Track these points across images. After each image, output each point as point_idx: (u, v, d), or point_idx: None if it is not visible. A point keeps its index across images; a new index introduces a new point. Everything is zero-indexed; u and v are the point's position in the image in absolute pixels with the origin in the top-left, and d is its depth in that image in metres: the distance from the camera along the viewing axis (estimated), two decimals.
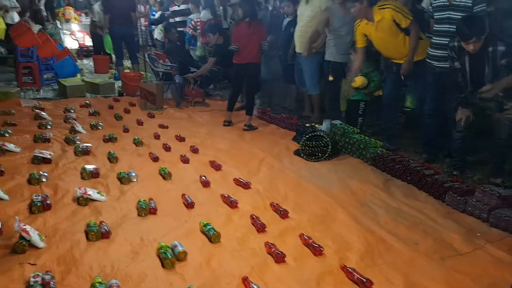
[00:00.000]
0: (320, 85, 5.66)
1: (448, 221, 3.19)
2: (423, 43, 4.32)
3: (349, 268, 2.48)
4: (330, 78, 5.19)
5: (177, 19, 8.49)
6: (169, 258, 2.47)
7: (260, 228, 2.94)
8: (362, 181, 3.91)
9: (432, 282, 2.42)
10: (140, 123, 5.57)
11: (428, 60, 4.20)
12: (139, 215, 3.07)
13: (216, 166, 4.13)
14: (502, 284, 2.40)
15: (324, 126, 4.85)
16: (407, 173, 3.90)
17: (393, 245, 2.83)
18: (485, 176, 3.98)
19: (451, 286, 2.39)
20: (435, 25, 4.11)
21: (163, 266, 2.46)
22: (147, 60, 7.52)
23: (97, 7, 9.16)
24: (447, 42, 3.81)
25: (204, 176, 3.80)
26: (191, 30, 8.12)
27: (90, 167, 3.76)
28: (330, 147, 4.47)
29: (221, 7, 7.84)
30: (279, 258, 2.57)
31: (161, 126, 5.48)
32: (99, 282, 2.22)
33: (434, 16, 4.10)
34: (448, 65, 3.84)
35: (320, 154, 4.48)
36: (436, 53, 4.08)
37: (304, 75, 5.74)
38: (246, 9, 5.35)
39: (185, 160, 4.26)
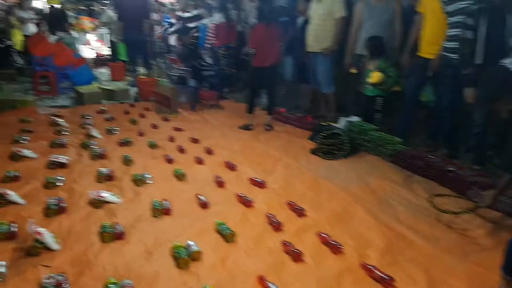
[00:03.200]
0: (335, 83, 5.58)
1: (472, 216, 3.05)
2: None
3: (369, 265, 2.40)
4: (354, 71, 5.11)
5: (191, 24, 8.53)
6: (183, 257, 2.43)
7: (277, 226, 2.87)
8: (381, 178, 3.81)
9: (454, 278, 2.32)
10: (155, 126, 5.58)
11: (444, 53, 4.08)
12: (153, 216, 3.03)
13: (231, 167, 4.08)
14: None
15: (341, 124, 4.75)
16: (428, 169, 3.78)
17: (414, 241, 2.73)
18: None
19: (475, 282, 2.28)
20: (448, 18, 4.01)
21: (177, 266, 2.42)
22: (161, 65, 7.56)
23: (110, 12, 9.28)
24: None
25: (219, 177, 3.75)
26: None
27: (105, 170, 3.76)
28: (347, 145, 4.38)
29: (235, 11, 7.84)
30: (297, 256, 2.49)
31: (176, 129, 5.47)
32: (113, 283, 2.19)
33: (446, 9, 4.00)
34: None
35: (337, 152, 4.39)
36: (452, 45, 3.97)
37: (318, 74, 5.66)
38: (263, 12, 5.31)
39: (199, 161, 4.23)
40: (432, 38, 4.31)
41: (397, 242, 2.73)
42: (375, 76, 4.71)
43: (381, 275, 2.29)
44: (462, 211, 2.99)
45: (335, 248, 2.59)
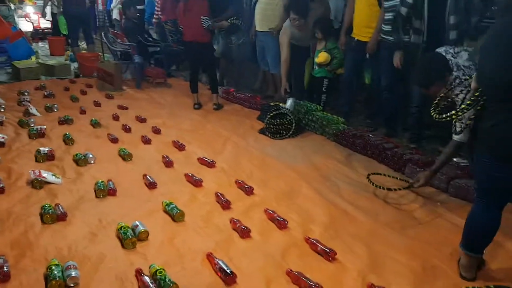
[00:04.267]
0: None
1: (408, 192, 3.25)
2: None
3: (313, 239, 2.49)
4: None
5: None
6: (129, 238, 2.40)
7: (225, 205, 2.90)
8: (325, 157, 3.94)
9: (394, 251, 2.46)
10: (97, 104, 5.38)
11: (382, 36, 4.23)
12: (97, 196, 2.96)
13: (179, 146, 4.04)
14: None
15: (288, 104, 4.83)
16: (368, 147, 3.96)
17: (356, 216, 2.87)
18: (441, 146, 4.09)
19: (414, 254, 2.43)
20: (385, 2, 4.15)
21: (123, 246, 2.39)
22: (104, 39, 7.23)
23: None
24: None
25: (167, 156, 3.70)
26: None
27: (44, 149, 3.59)
28: (294, 124, 4.48)
29: None
30: (244, 233, 2.54)
31: (120, 107, 5.31)
32: (56, 265, 2.12)
33: None
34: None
35: (284, 132, 4.48)
36: (388, 29, 4.12)
37: (267, 54, 5.68)
38: None
39: (146, 141, 4.15)
40: (363, 21, 4.47)
41: (339, 217, 2.85)
42: (321, 56, 4.80)
43: (324, 248, 2.39)
44: (398, 189, 3.16)
45: (281, 224, 2.67)
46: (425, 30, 3.73)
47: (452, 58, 2.64)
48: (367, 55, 4.52)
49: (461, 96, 2.42)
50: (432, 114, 2.41)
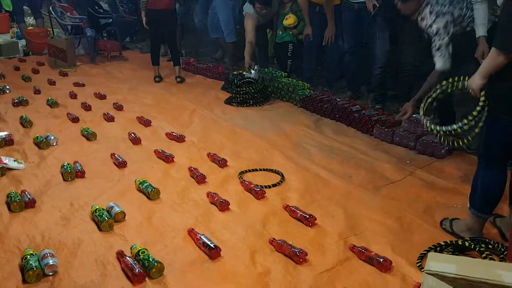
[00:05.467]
0: (236, 33, 5.51)
1: (378, 152, 3.33)
2: None
3: (292, 206, 2.52)
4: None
5: None
6: (106, 220, 2.32)
7: (200, 179, 2.86)
8: (294, 123, 3.95)
9: (370, 211, 2.53)
10: (52, 83, 5.11)
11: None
12: (65, 180, 2.84)
13: (145, 122, 3.92)
14: (435, 206, 2.56)
15: (253, 72, 4.77)
16: (335, 111, 4.00)
17: (330, 180, 2.91)
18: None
19: (388, 212, 2.51)
20: None
21: (99, 229, 2.31)
22: (52, 13, 6.79)
23: None
24: None
25: (133, 133, 3.59)
26: None
27: (2, 134, 3.39)
28: (260, 93, 4.44)
29: None
30: (223, 206, 2.53)
31: (77, 85, 5.07)
32: (31, 254, 2.03)
33: None
34: None
35: (251, 101, 4.44)
36: None
37: (220, 22, 5.54)
38: None
39: (109, 118, 3.99)
40: None
41: (314, 182, 2.89)
42: (289, 18, 4.76)
43: (303, 214, 2.43)
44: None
45: (259, 194, 2.67)
46: None
47: None
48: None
49: (434, 26, 2.44)
50: (429, 128, 2.47)
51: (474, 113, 2.14)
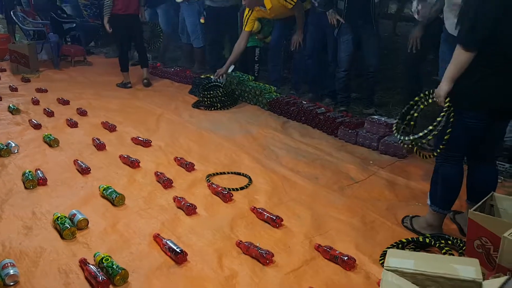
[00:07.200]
0: (204, 38, 5.52)
1: (342, 153, 3.40)
2: None
3: (259, 208, 2.53)
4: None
5: None
6: (68, 228, 2.27)
7: (167, 183, 2.84)
8: (261, 126, 3.98)
9: (335, 211, 2.58)
10: (14, 89, 4.96)
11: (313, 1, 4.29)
12: (26, 188, 2.76)
13: (109, 127, 3.85)
14: (398, 204, 2.64)
15: (222, 79, 4.77)
16: (301, 114, 4.05)
17: (297, 182, 2.95)
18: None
19: (352, 212, 2.56)
20: None
21: (62, 237, 2.26)
22: (14, 18, 6.58)
23: None
24: None
25: (98, 139, 3.52)
26: None
27: None
28: (227, 96, 4.45)
29: None
30: (190, 210, 2.51)
31: (39, 90, 4.94)
32: None
33: None
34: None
35: (219, 104, 4.44)
36: None
37: (187, 27, 5.53)
38: None
39: (72, 124, 3.91)
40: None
41: (281, 184, 2.92)
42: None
43: (270, 216, 2.44)
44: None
45: (226, 197, 2.68)
46: None
47: None
48: None
49: None
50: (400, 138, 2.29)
51: (439, 118, 2.11)
